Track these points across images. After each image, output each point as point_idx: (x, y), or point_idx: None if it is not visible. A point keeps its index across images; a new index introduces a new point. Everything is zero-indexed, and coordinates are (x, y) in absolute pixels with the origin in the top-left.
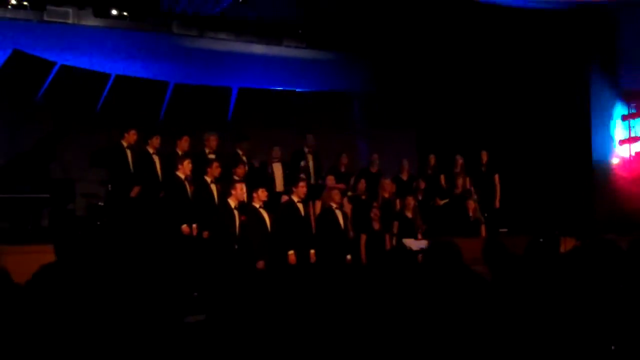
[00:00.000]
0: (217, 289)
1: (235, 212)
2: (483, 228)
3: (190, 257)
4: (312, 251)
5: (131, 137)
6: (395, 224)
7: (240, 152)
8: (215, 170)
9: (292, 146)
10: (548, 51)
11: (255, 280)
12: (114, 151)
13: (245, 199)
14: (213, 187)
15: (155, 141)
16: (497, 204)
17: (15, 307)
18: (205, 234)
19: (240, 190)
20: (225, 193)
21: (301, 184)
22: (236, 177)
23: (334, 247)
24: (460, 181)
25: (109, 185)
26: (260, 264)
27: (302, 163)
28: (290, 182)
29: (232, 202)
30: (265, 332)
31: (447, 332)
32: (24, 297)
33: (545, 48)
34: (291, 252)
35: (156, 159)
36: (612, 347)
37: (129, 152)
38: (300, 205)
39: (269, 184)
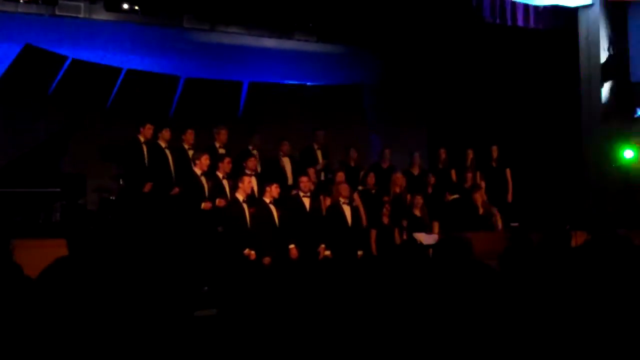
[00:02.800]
0: (227, 284)
1: (245, 206)
2: (499, 221)
3: (202, 251)
4: (323, 246)
5: (147, 131)
6: (405, 221)
7: (251, 147)
8: (226, 165)
9: (303, 140)
10: (561, 44)
11: (264, 275)
12: (130, 146)
13: (256, 192)
14: (225, 182)
15: (166, 134)
16: (510, 198)
17: (27, 301)
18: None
19: (247, 184)
20: (234, 187)
21: (304, 178)
22: (248, 171)
23: (340, 242)
24: (470, 175)
25: (121, 180)
26: (267, 260)
27: (317, 166)
28: (297, 176)
29: (240, 196)
30: (274, 326)
31: (458, 326)
32: (35, 291)
33: (557, 42)
34: (292, 246)
35: (168, 152)
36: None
37: (145, 147)
38: (305, 200)
39: (282, 178)
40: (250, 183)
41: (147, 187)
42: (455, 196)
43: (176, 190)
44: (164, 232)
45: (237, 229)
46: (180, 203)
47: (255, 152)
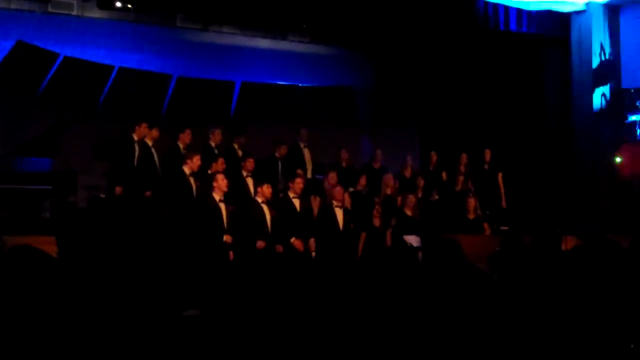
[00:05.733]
0: (210, 284)
1: (222, 205)
2: (486, 225)
3: (187, 252)
4: (312, 240)
5: (142, 130)
6: (394, 220)
7: (236, 146)
8: (220, 166)
9: (294, 141)
10: (551, 49)
11: (249, 273)
12: (121, 144)
13: (252, 192)
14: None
15: (154, 133)
16: (504, 204)
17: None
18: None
19: (222, 181)
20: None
21: (298, 180)
22: (245, 172)
23: (331, 245)
24: (461, 178)
25: (109, 179)
26: (261, 244)
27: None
28: (287, 177)
29: (217, 196)
30: (260, 327)
31: (450, 329)
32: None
33: (548, 46)
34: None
35: (154, 151)
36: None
37: (136, 147)
38: (296, 201)
39: (273, 179)
40: (224, 180)
41: (118, 191)
42: (436, 198)
43: (148, 193)
44: (150, 231)
45: (213, 228)
46: (166, 203)
47: (239, 151)
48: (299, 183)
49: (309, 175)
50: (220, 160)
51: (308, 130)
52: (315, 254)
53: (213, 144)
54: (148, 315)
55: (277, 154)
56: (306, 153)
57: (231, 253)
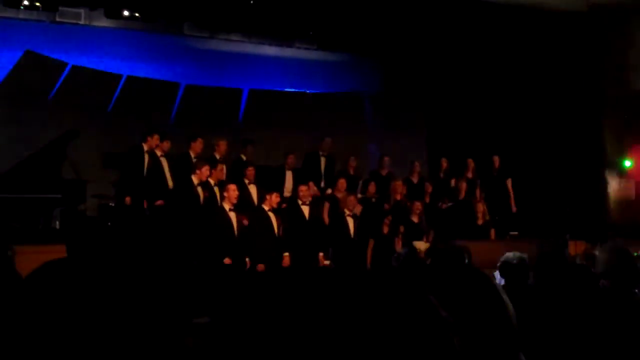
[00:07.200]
0: (221, 291)
1: (232, 215)
2: (492, 232)
3: (197, 260)
4: (321, 254)
5: (154, 141)
6: (401, 228)
7: (244, 157)
8: (219, 173)
9: (303, 148)
10: (561, 54)
11: (258, 282)
12: (132, 154)
13: (255, 200)
14: (216, 189)
15: (165, 145)
16: (514, 208)
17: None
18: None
19: (232, 192)
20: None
21: (302, 187)
22: (246, 180)
23: (343, 253)
24: (464, 185)
25: (118, 188)
26: (260, 267)
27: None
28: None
29: (227, 205)
30: (267, 335)
31: (457, 334)
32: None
33: (558, 51)
34: (286, 254)
35: (164, 161)
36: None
37: (146, 157)
38: (304, 208)
39: (280, 188)
40: (235, 192)
41: (127, 201)
42: (449, 204)
43: (160, 202)
44: (161, 239)
45: (223, 238)
46: (175, 211)
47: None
48: (303, 190)
49: (322, 184)
50: (220, 167)
51: (332, 141)
52: (329, 262)
53: (218, 155)
54: (157, 323)
55: (285, 165)
56: (323, 162)
57: (248, 261)
